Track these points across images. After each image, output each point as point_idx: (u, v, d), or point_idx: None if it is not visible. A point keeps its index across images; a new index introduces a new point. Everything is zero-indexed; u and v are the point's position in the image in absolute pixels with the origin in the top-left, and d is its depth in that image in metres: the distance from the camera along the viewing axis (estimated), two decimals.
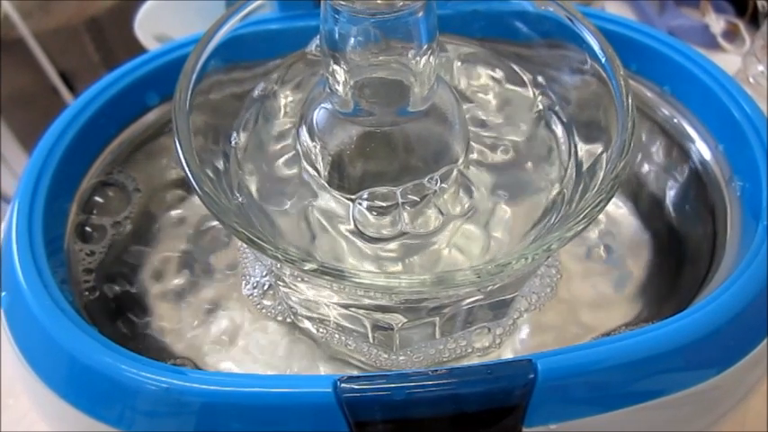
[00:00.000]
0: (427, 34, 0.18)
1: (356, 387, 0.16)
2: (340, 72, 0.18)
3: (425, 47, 0.18)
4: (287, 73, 0.23)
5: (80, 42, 0.69)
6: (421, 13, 0.17)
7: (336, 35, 0.18)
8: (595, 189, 0.17)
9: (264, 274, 0.23)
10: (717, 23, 0.47)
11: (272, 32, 0.25)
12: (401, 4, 0.17)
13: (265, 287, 0.23)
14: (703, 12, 0.48)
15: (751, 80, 0.36)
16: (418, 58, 0.18)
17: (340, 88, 0.19)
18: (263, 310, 0.23)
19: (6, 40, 0.59)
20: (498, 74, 0.24)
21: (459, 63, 0.24)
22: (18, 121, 0.62)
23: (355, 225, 0.20)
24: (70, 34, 0.68)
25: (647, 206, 0.25)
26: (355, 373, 0.21)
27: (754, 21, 0.45)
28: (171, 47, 0.26)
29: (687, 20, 0.48)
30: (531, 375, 0.17)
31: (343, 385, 0.16)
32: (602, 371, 0.17)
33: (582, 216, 0.16)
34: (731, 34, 0.47)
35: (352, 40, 0.18)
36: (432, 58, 0.18)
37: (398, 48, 0.18)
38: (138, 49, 0.37)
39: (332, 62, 0.18)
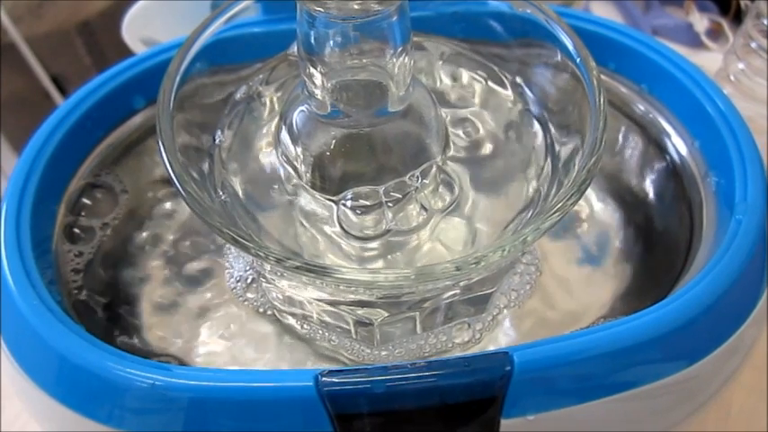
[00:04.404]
0: (402, 36, 0.18)
1: (337, 380, 0.17)
2: (317, 75, 0.19)
3: (400, 48, 0.19)
4: (270, 74, 0.23)
5: (72, 46, 0.69)
6: (395, 17, 0.18)
7: (312, 39, 0.18)
8: (569, 184, 0.18)
9: (247, 268, 0.24)
10: (700, 22, 0.47)
11: (256, 35, 0.25)
12: (375, 8, 0.17)
13: (248, 280, 0.24)
14: (687, 11, 0.48)
15: (732, 78, 0.37)
16: (394, 60, 0.19)
17: (317, 91, 0.19)
18: (246, 303, 0.23)
19: None
20: (478, 74, 0.24)
21: (440, 63, 0.24)
22: (10, 124, 0.62)
23: (340, 225, 0.21)
24: (62, 38, 0.68)
25: (626, 201, 0.25)
26: (338, 367, 0.22)
27: (738, 19, 0.46)
28: (157, 50, 0.26)
29: (671, 19, 0.49)
30: (508, 367, 0.17)
31: (324, 379, 0.17)
32: (579, 362, 0.18)
33: (555, 209, 0.17)
34: (715, 33, 0.47)
35: (327, 44, 0.18)
36: (407, 59, 0.19)
37: (374, 50, 0.18)
38: (130, 52, 0.38)
39: (309, 65, 0.19)
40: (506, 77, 0.23)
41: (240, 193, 0.21)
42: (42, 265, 0.21)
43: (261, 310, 0.23)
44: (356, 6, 0.17)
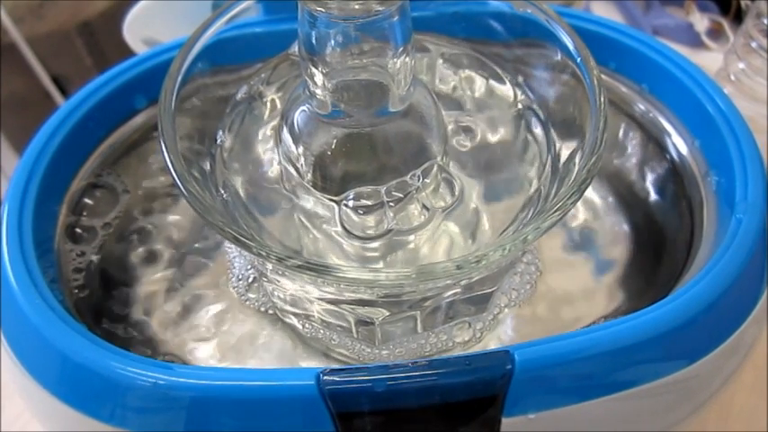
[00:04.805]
0: (403, 36, 0.18)
1: (338, 379, 0.17)
2: (318, 75, 0.19)
3: (401, 48, 0.19)
4: (272, 74, 0.23)
5: (73, 47, 0.69)
6: (396, 17, 0.18)
7: (313, 39, 0.18)
8: (569, 183, 0.18)
9: (248, 267, 0.24)
10: (701, 22, 0.47)
11: (257, 36, 0.25)
12: (376, 8, 0.17)
13: (250, 280, 0.24)
14: (688, 11, 0.48)
15: (732, 78, 0.37)
16: (395, 60, 0.19)
17: (318, 91, 0.19)
18: (248, 302, 0.23)
19: None
20: (479, 73, 0.24)
21: (440, 63, 0.25)
22: (10, 124, 0.62)
23: (342, 225, 0.21)
24: (62, 39, 0.68)
25: (627, 201, 0.26)
26: (339, 366, 0.22)
27: (738, 19, 0.46)
28: (158, 50, 0.26)
29: (672, 19, 0.49)
30: (509, 366, 0.17)
31: (325, 377, 0.17)
32: (579, 361, 0.18)
33: (555, 209, 0.17)
34: (715, 33, 0.47)
35: (328, 44, 0.18)
36: (408, 58, 0.19)
37: (375, 50, 0.18)
38: (131, 52, 0.38)
39: (310, 65, 0.19)
40: (507, 77, 0.24)
41: (241, 192, 0.21)
42: (44, 264, 0.21)
43: (262, 309, 0.23)
44: (357, 6, 0.17)
